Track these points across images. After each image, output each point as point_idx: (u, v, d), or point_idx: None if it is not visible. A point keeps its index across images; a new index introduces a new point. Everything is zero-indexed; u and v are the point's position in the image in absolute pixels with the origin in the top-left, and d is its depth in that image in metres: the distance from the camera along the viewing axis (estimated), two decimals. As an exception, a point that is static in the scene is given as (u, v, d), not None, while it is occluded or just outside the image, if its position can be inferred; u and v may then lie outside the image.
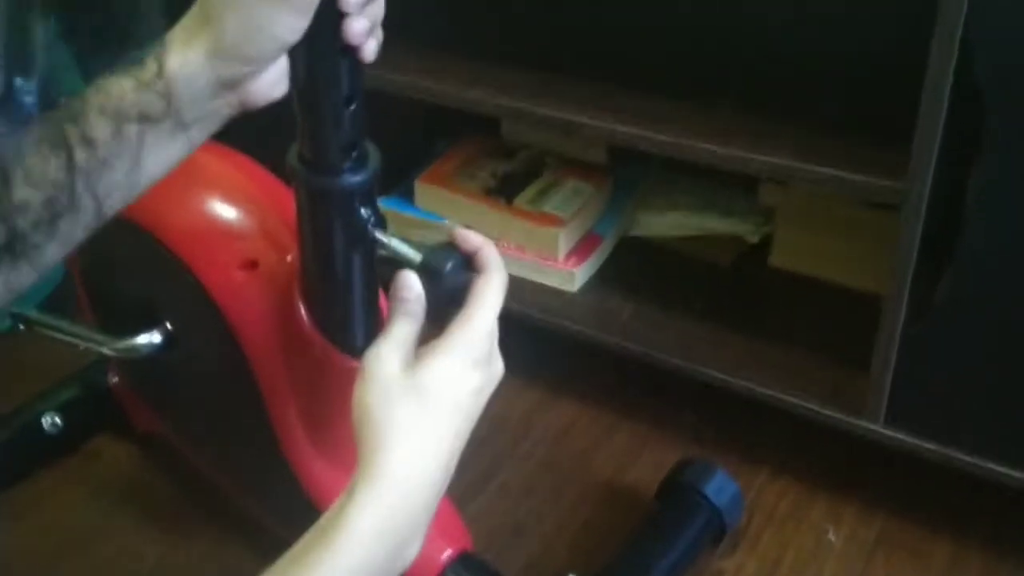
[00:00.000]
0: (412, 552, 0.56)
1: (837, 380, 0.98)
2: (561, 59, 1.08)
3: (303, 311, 0.74)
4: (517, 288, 1.13)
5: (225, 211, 0.79)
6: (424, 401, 0.57)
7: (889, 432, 0.92)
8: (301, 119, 0.63)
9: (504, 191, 1.18)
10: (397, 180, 1.24)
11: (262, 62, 0.58)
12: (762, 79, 1.03)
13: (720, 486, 0.93)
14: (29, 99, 0.91)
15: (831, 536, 0.99)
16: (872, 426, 0.93)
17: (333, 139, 0.63)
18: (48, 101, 0.93)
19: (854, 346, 0.97)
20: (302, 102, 0.62)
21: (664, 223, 1.21)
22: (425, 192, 1.20)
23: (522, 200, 1.16)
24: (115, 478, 1.08)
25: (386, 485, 0.55)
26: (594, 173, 1.20)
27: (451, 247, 0.64)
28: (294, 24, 0.56)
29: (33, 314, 0.89)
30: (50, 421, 1.06)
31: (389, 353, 0.58)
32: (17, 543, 1.00)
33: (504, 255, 1.13)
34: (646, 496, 0.99)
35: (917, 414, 0.91)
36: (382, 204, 1.22)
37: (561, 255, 1.13)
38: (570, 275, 1.12)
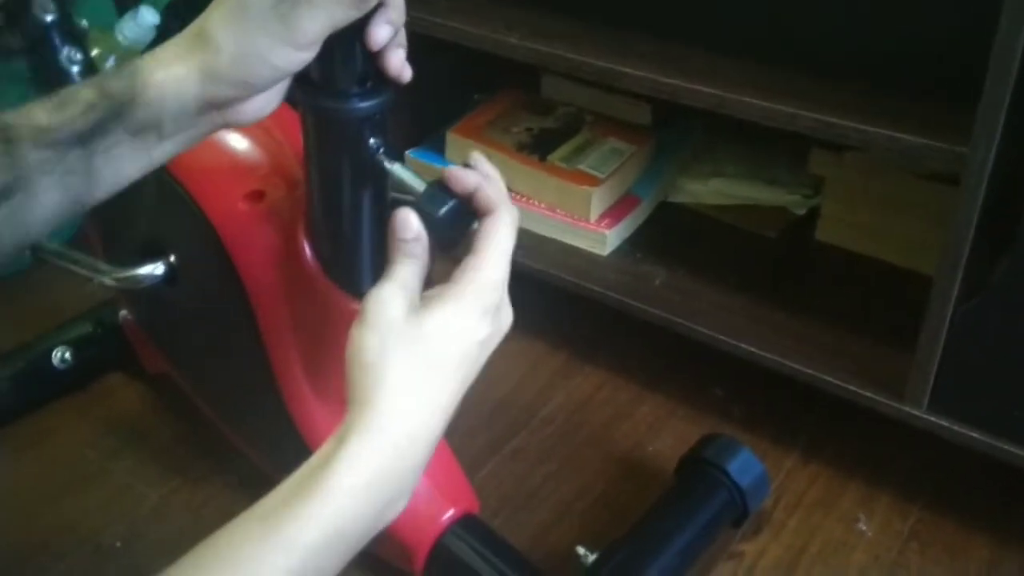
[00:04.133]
0: (398, 509, 0.52)
1: (879, 361, 0.92)
2: (605, 9, 1.03)
3: (307, 248, 0.70)
4: (545, 248, 1.09)
5: (234, 138, 0.75)
6: (428, 352, 0.52)
7: (932, 418, 0.86)
8: None
9: (538, 147, 1.13)
10: (430, 132, 1.20)
11: (256, 88, 0.56)
12: (815, 35, 0.96)
13: (744, 465, 0.88)
14: (49, 18, 0.88)
15: (862, 525, 0.93)
16: (914, 411, 0.87)
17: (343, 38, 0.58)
18: (71, 33, 0.90)
19: (899, 327, 0.91)
20: None
21: (707, 190, 1.15)
22: (456, 144, 1.15)
23: (556, 157, 1.11)
24: (124, 418, 1.06)
25: (380, 440, 0.50)
26: (635, 134, 1.15)
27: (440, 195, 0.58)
28: (294, 57, 0.55)
29: (39, 241, 0.86)
30: (60, 356, 1.05)
31: (392, 296, 0.54)
32: (20, 477, 0.99)
33: (534, 214, 1.10)
34: (667, 471, 0.94)
35: (963, 400, 0.85)
36: (412, 155, 1.19)
37: (593, 216, 1.08)
38: (601, 237, 1.07)
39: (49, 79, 0.88)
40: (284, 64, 0.55)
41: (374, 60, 0.60)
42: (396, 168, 0.61)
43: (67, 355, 1.05)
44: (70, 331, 1.07)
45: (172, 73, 0.55)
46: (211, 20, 0.55)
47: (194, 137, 0.58)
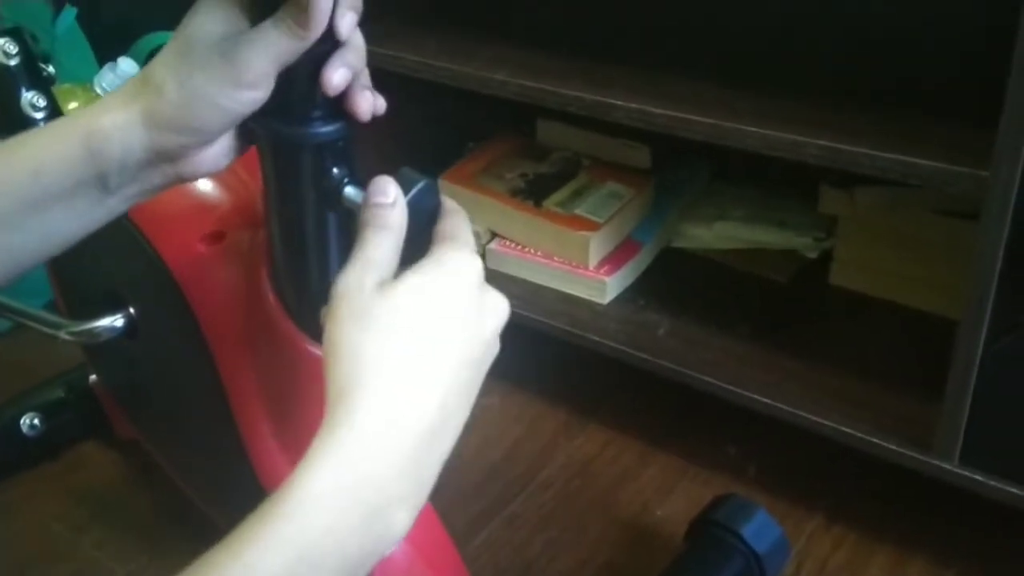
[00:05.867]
0: (398, 523, 0.44)
1: (903, 411, 0.85)
2: (595, 45, 0.98)
3: (270, 291, 0.64)
4: (542, 298, 1.03)
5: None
6: (403, 323, 0.45)
7: (964, 472, 0.79)
8: None
9: (533, 193, 1.08)
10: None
11: (207, 134, 0.52)
12: (817, 58, 0.91)
13: (760, 528, 0.81)
14: (12, 62, 0.84)
15: (893, 593, 0.85)
16: (944, 464, 0.80)
17: (299, 71, 0.53)
18: (34, 78, 0.86)
19: (924, 374, 0.85)
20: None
21: (712, 234, 1.09)
22: (448, 191, 1.09)
23: (551, 202, 1.06)
24: (94, 489, 1.00)
25: (348, 436, 0.43)
26: (635, 177, 1.09)
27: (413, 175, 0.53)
28: (242, 97, 0.51)
29: (-5, 296, 0.81)
30: (29, 423, 1.00)
31: (361, 275, 0.47)
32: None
33: (530, 262, 1.05)
34: (676, 537, 0.87)
35: (997, 451, 0.78)
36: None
37: (592, 263, 1.02)
38: (601, 285, 1.01)
39: (11, 126, 0.84)
40: (232, 106, 0.51)
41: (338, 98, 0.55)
42: (346, 191, 0.56)
43: (36, 421, 1.00)
44: (39, 396, 1.01)
45: (114, 119, 0.51)
46: (156, 63, 0.52)
47: (144, 192, 0.54)
